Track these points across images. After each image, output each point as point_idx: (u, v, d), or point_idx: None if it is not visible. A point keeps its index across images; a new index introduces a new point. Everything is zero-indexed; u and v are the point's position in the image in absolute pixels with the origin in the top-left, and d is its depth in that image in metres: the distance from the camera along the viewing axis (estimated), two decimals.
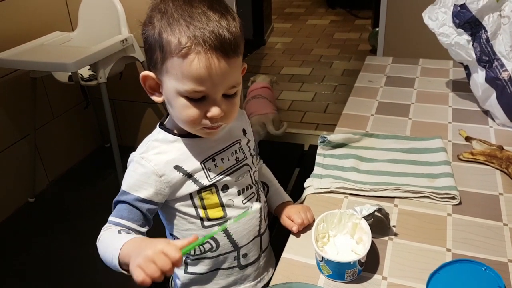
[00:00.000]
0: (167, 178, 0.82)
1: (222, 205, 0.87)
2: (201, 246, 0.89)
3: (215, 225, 0.88)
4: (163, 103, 0.82)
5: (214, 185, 0.86)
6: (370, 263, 0.83)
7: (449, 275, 0.78)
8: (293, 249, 0.89)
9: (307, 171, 1.12)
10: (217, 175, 0.86)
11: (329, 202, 1.00)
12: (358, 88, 1.56)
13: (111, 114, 2.13)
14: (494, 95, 1.26)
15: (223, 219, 0.88)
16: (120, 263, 0.71)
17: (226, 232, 0.89)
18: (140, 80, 0.80)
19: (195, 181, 0.84)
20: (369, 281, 0.80)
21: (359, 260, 0.78)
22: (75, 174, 2.65)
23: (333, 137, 1.19)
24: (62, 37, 2.26)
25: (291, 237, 0.92)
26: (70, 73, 2.17)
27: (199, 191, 0.85)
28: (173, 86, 0.75)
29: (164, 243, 0.66)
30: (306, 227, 0.93)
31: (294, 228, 0.92)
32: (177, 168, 0.83)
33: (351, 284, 0.80)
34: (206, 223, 0.87)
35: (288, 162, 2.56)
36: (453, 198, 0.98)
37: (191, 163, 0.84)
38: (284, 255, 0.87)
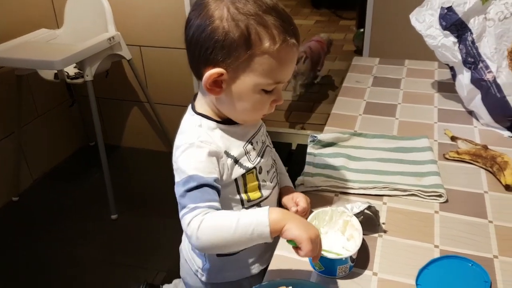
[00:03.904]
0: (223, 161, 0.83)
1: (259, 187, 0.90)
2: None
3: (251, 206, 0.89)
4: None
5: (255, 167, 0.88)
6: (361, 259, 0.85)
7: (437, 271, 0.80)
8: (285, 245, 0.89)
9: (296, 169, 1.13)
10: (256, 157, 0.89)
11: (320, 200, 1.02)
12: (345, 88, 1.58)
13: (97, 112, 2.12)
14: (479, 95, 1.29)
15: (260, 199, 0.90)
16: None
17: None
18: (208, 78, 0.76)
19: (241, 165, 0.86)
20: (360, 277, 0.82)
21: (350, 257, 0.80)
22: (59, 172, 2.62)
23: (323, 136, 1.21)
24: (48, 34, 2.24)
25: None
26: (55, 71, 2.15)
27: (243, 175, 0.86)
28: (253, 81, 0.77)
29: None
30: None
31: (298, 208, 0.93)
32: (226, 153, 0.84)
33: (343, 280, 0.81)
34: (246, 205, 0.89)
35: None
36: (440, 196, 1.00)
37: (236, 148, 0.85)
38: (277, 252, 0.89)
